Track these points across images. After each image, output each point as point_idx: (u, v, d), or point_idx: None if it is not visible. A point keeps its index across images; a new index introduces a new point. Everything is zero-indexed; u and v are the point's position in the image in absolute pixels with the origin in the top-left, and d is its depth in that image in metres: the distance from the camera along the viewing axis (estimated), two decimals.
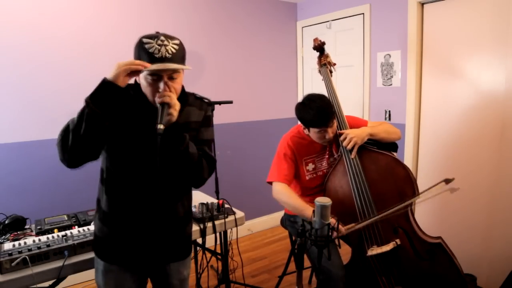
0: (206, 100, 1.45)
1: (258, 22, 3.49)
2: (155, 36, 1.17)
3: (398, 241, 1.72)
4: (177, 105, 1.18)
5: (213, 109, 2.27)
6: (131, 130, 1.26)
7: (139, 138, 1.26)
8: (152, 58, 1.14)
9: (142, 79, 1.21)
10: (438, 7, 2.55)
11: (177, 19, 3.00)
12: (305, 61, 3.75)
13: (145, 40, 1.16)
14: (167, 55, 1.15)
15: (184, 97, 1.33)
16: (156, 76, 1.18)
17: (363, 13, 3.05)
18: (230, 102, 2.50)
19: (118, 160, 1.29)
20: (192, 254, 2.55)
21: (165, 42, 1.16)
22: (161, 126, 1.12)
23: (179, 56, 1.20)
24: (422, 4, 2.63)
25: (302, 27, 3.70)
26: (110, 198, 1.33)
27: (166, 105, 1.15)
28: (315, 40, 2.18)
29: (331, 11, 3.34)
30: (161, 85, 1.18)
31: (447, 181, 1.65)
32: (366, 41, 3.05)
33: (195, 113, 1.37)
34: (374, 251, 1.71)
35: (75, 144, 1.14)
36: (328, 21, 3.39)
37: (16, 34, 2.34)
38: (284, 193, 1.86)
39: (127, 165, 1.29)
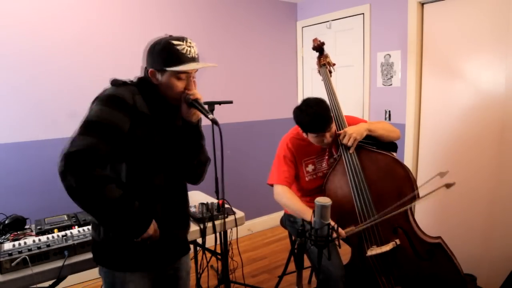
0: None
1: (258, 22, 3.49)
2: (182, 38, 1.25)
3: (397, 241, 1.72)
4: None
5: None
6: (156, 136, 1.27)
7: (164, 140, 1.30)
8: (185, 58, 1.23)
9: (168, 79, 1.25)
10: (438, 7, 2.55)
11: (177, 19, 3.00)
12: (305, 61, 3.75)
13: (175, 42, 1.23)
14: (195, 55, 1.27)
15: None
16: (185, 75, 1.26)
17: (363, 13, 3.05)
18: (230, 102, 2.50)
19: (141, 166, 1.26)
20: (192, 254, 2.57)
21: (191, 44, 1.26)
22: (212, 116, 1.26)
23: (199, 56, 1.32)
24: (422, 4, 2.63)
25: (302, 27, 3.70)
26: None
27: (198, 99, 1.27)
28: (315, 40, 2.18)
29: (331, 11, 3.34)
30: (189, 83, 1.28)
31: (448, 185, 1.63)
32: (366, 41, 3.05)
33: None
34: (373, 251, 1.70)
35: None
36: (328, 21, 3.39)
37: (17, 35, 2.34)
38: (285, 195, 1.88)
39: (149, 168, 1.27)
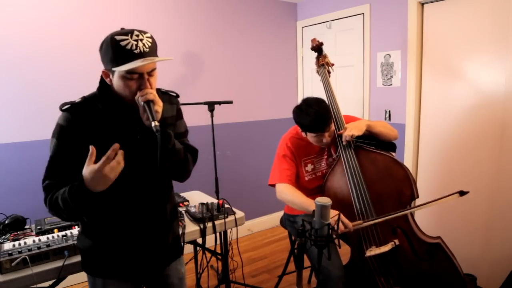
0: (173, 94, 1.39)
1: (258, 22, 3.49)
2: (128, 32, 1.10)
3: (396, 241, 1.71)
4: (160, 102, 1.16)
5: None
6: (115, 136, 1.18)
7: (124, 142, 1.17)
8: (130, 54, 1.08)
9: (118, 80, 1.13)
10: (438, 7, 2.55)
11: (178, 19, 3.00)
12: (305, 61, 3.75)
13: (118, 37, 1.08)
14: (145, 49, 1.10)
15: None
16: (136, 74, 1.12)
17: (363, 13, 3.05)
18: (230, 102, 2.51)
19: None
20: (192, 254, 2.57)
21: (140, 37, 1.10)
22: (156, 123, 1.10)
23: (155, 49, 1.16)
24: (422, 4, 2.63)
25: (302, 27, 3.70)
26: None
27: (151, 102, 1.12)
28: (313, 40, 2.18)
29: (331, 11, 3.34)
30: (142, 82, 1.13)
31: (462, 193, 1.61)
32: (366, 41, 3.05)
33: (167, 109, 1.30)
34: (372, 251, 1.70)
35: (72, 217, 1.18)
36: (328, 21, 3.39)
37: (18, 36, 2.34)
38: (288, 192, 1.86)
39: None
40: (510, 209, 2.28)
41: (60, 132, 1.17)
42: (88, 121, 1.17)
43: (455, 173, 2.56)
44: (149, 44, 1.12)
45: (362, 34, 3.08)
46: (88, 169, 1.05)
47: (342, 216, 1.61)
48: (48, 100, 2.48)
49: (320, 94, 2.03)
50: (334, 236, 1.32)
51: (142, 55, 1.09)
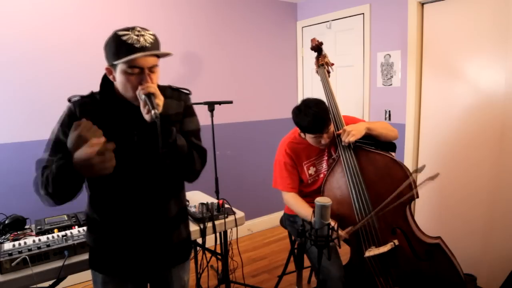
0: (184, 91, 1.40)
1: (258, 22, 3.49)
2: (130, 28, 1.13)
3: (396, 241, 1.71)
4: (161, 96, 1.16)
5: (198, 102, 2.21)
6: (114, 133, 1.18)
7: (123, 139, 1.21)
8: (132, 49, 1.10)
9: (120, 75, 1.16)
10: (438, 7, 2.55)
11: (178, 19, 3.00)
12: (305, 61, 3.75)
13: (120, 32, 1.12)
14: (147, 44, 1.12)
15: (160, 90, 1.21)
16: (137, 69, 1.14)
17: (363, 13, 3.05)
18: (230, 102, 2.50)
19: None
20: (192, 254, 2.57)
21: (142, 32, 1.13)
22: (156, 111, 1.10)
23: (157, 45, 1.18)
24: (422, 4, 2.63)
25: (302, 27, 3.70)
26: (97, 205, 1.30)
27: (151, 95, 1.13)
28: (313, 40, 2.18)
29: (331, 11, 3.34)
30: (143, 77, 1.15)
31: (418, 171, 1.63)
32: (366, 41, 3.05)
33: (173, 105, 1.30)
34: (371, 252, 1.70)
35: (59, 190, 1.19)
36: (328, 21, 3.39)
37: (18, 37, 2.34)
38: (294, 203, 1.97)
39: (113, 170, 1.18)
40: (510, 209, 2.28)
41: (63, 121, 1.25)
42: (89, 116, 1.17)
43: (455, 173, 2.55)
44: (151, 40, 1.14)
45: (362, 34, 3.08)
46: (80, 152, 1.07)
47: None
48: (47, 99, 2.48)
49: (320, 94, 2.03)
50: (334, 236, 1.32)
51: (143, 49, 1.11)
